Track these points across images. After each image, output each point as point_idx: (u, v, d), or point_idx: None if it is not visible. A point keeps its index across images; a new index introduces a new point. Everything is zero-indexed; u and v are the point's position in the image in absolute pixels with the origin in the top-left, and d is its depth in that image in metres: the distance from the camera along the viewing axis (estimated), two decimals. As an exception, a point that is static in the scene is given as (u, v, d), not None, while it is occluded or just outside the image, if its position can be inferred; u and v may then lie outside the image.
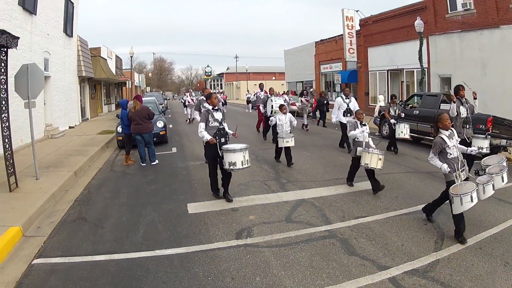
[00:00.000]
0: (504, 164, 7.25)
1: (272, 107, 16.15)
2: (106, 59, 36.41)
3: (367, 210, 8.11)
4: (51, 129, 19.33)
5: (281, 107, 13.02)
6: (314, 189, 9.66)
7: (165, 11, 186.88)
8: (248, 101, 42.11)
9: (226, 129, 9.03)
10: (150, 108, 13.92)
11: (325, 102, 25.43)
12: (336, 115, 15.02)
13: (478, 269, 5.49)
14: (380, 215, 7.75)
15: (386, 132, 17.40)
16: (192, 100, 28.66)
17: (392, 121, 14.51)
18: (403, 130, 14.13)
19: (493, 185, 6.67)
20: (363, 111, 14.34)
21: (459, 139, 7.33)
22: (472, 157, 9.04)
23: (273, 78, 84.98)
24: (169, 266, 5.76)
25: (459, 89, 10.61)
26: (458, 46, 22.31)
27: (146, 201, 9.03)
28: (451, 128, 6.97)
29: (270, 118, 13.27)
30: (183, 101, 35.55)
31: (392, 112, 14.88)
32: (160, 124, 16.81)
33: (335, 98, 17.58)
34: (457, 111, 10.36)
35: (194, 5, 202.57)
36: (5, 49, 9.26)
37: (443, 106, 15.73)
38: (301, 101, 24.66)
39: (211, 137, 8.57)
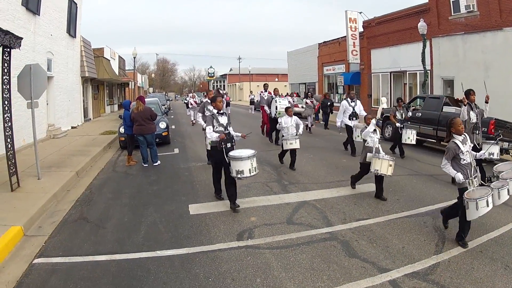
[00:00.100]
0: None
1: (276, 108, 15.95)
2: (109, 60, 36.48)
3: (369, 212, 8.10)
4: (54, 129, 19.37)
5: (287, 109, 12.81)
6: (316, 191, 9.66)
7: (165, 11, 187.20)
8: (252, 102, 42.10)
9: (232, 133, 8.71)
10: (152, 109, 13.94)
11: (329, 103, 25.37)
12: (341, 119, 14.81)
13: (479, 272, 5.47)
14: (382, 218, 7.74)
15: (389, 135, 17.39)
16: (195, 102, 28.58)
17: (398, 125, 14.19)
18: (410, 136, 13.68)
19: (508, 190, 6.51)
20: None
21: (472, 145, 7.10)
22: (480, 163, 8.94)
23: (276, 79, 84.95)
24: (170, 267, 5.76)
25: (469, 93, 10.46)
26: (461, 48, 22.28)
27: (148, 202, 9.04)
28: (464, 133, 6.77)
29: (278, 121, 13.04)
30: (186, 101, 35.50)
31: (398, 116, 14.51)
32: (162, 125, 16.84)
33: (339, 100, 17.52)
34: (467, 116, 10.21)
35: (194, 5, 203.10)
36: (8, 49, 9.29)
37: (446, 109, 15.73)
38: (306, 102, 24.46)
39: (218, 134, 8.27)
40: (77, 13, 24.50)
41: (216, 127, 8.45)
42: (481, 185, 6.61)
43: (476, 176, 6.53)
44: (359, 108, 14.62)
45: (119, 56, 46.15)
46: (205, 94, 24.51)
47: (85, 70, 26.25)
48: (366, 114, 12.04)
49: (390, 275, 5.39)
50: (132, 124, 12.88)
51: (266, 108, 17.85)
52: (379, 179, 8.95)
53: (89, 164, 13.21)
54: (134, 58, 44.84)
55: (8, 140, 9.30)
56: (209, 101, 12.32)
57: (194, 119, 26.73)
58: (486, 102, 10.82)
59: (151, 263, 5.89)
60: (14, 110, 9.93)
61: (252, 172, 8.03)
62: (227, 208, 8.33)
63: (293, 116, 12.54)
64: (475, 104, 10.57)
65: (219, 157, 8.35)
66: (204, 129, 9.84)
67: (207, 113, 12.11)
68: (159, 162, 13.17)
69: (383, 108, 20.14)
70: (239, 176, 7.99)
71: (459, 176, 6.36)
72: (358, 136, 13.30)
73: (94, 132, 21.50)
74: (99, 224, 7.63)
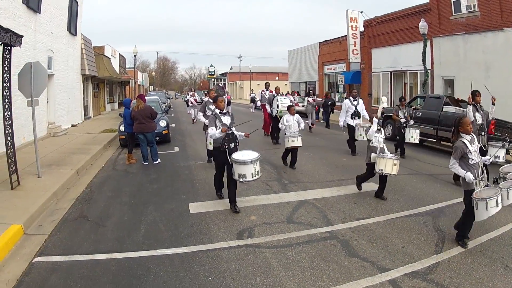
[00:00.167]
0: None
1: (277, 107, 15.91)
2: (109, 58, 36.49)
3: (369, 211, 8.10)
4: (54, 127, 19.38)
5: (289, 108, 12.75)
6: (316, 190, 9.66)
7: (166, 10, 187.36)
8: (252, 100, 42.03)
9: (235, 132, 8.46)
10: (153, 107, 13.94)
11: (330, 103, 25.33)
12: (343, 118, 14.66)
13: (478, 272, 5.48)
14: (381, 217, 7.74)
15: (389, 134, 17.36)
16: (196, 100, 28.49)
17: (402, 120, 13.96)
18: (413, 135, 13.61)
19: None
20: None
21: (479, 145, 6.97)
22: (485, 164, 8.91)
23: (277, 78, 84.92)
24: (170, 265, 5.76)
25: (475, 94, 10.38)
26: (462, 48, 22.28)
27: (148, 200, 9.04)
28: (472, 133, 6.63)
29: (280, 120, 12.79)
30: (186, 100, 35.40)
31: (400, 115, 14.28)
32: (162, 123, 16.83)
33: (339, 99, 17.43)
34: (473, 117, 10.15)
35: (195, 5, 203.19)
36: (9, 47, 9.28)
37: (446, 108, 15.74)
38: (308, 101, 24.39)
39: (221, 128, 8.10)
40: (78, 11, 24.49)
41: (219, 127, 8.22)
42: (486, 186, 6.50)
43: (483, 177, 6.43)
44: (362, 107, 14.54)
45: (119, 54, 46.18)
46: (206, 93, 24.47)
47: (86, 68, 26.25)
48: (367, 115, 11.97)
49: (390, 275, 5.40)
50: (132, 122, 12.88)
51: (267, 106, 17.81)
52: (383, 178, 8.90)
53: (89, 162, 13.22)
54: (135, 56, 44.80)
55: (8, 138, 9.30)
56: (210, 100, 12.33)
57: (195, 117, 26.71)
58: (493, 104, 10.79)
59: (151, 261, 5.89)
60: (14, 108, 9.93)
61: (255, 176, 7.86)
62: (227, 207, 8.32)
63: (295, 114, 12.42)
64: (480, 105, 10.53)
65: (223, 158, 8.21)
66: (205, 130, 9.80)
67: (208, 112, 12.14)
68: (159, 160, 13.17)
69: (383, 108, 20.17)
70: (241, 180, 7.84)
71: (470, 176, 6.24)
72: (361, 135, 13.29)
73: (94, 130, 21.51)
74: (99, 223, 7.63)
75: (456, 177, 9.87)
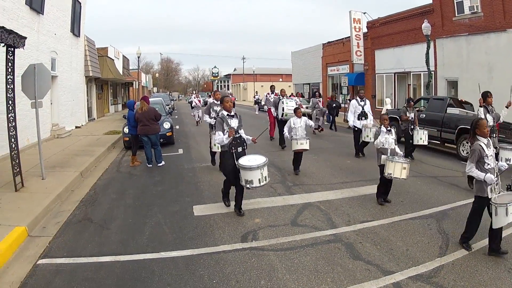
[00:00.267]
0: None
1: (283, 110, 15.43)
2: (113, 59, 36.53)
3: (373, 214, 8.09)
4: (58, 128, 19.41)
5: (296, 110, 12.29)
6: (320, 193, 9.66)
7: (166, 8, 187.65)
8: (256, 102, 42.05)
9: (243, 136, 8.22)
10: (157, 109, 13.95)
11: (334, 105, 25.28)
12: (352, 118, 14.47)
13: (482, 275, 5.47)
14: (386, 220, 7.73)
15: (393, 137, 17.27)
16: (199, 101, 28.48)
17: (410, 117, 13.72)
18: (422, 137, 13.33)
19: None
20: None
21: (494, 150, 6.68)
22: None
23: (280, 79, 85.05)
24: (174, 268, 5.76)
25: (487, 95, 10.20)
26: (465, 49, 22.24)
27: (152, 203, 9.05)
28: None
29: (285, 125, 12.25)
30: (190, 101, 35.40)
31: (408, 117, 13.95)
32: (166, 125, 16.85)
33: (342, 101, 17.29)
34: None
35: (198, 4, 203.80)
36: (12, 49, 9.30)
37: (450, 110, 15.70)
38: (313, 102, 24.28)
39: (227, 133, 7.79)
40: (81, 12, 24.54)
41: (226, 131, 7.90)
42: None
43: (498, 183, 6.16)
44: (368, 108, 14.45)
45: (123, 55, 46.24)
46: (210, 94, 24.43)
47: (89, 70, 26.29)
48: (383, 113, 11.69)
49: (394, 278, 5.38)
50: (136, 124, 12.89)
51: (273, 110, 17.40)
52: (387, 182, 8.69)
53: (93, 164, 13.24)
54: (138, 57, 44.91)
55: (12, 140, 9.30)
56: (215, 102, 12.29)
57: (199, 119, 26.69)
58: (507, 107, 10.65)
59: (156, 264, 5.89)
60: (18, 110, 9.92)
61: (262, 181, 7.61)
62: (231, 209, 8.32)
63: (302, 117, 12.00)
64: (491, 106, 10.42)
65: (231, 162, 7.90)
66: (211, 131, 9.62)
67: (213, 114, 12.10)
68: (163, 162, 13.18)
69: (387, 109, 20.14)
70: (247, 186, 7.60)
71: (491, 177, 5.95)
72: (368, 136, 13.22)
73: (98, 132, 21.54)
74: (103, 225, 7.64)
75: (470, 180, 9.69)
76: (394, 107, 25.91)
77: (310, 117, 21.82)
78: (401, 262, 5.87)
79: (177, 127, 24.45)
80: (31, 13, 16.20)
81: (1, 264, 5.88)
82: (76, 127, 23.24)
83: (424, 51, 22.66)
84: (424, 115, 16.37)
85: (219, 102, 12.04)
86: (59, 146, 16.28)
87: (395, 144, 8.92)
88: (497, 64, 19.96)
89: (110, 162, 14.03)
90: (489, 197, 5.98)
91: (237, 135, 8.01)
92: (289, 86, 53.74)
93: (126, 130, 15.04)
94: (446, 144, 16.08)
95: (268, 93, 18.86)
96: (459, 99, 17.74)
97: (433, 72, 23.38)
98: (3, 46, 8.99)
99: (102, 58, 31.23)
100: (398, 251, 6.25)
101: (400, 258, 6.01)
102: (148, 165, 12.97)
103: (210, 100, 13.64)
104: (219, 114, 8.46)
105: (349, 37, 32.77)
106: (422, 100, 18.99)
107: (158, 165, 13.02)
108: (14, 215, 7.55)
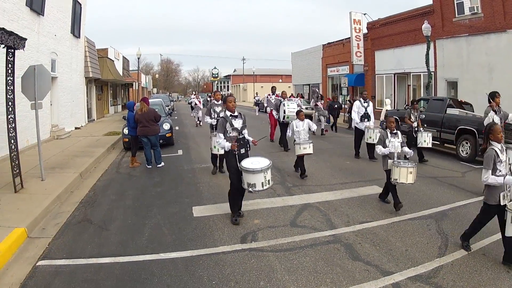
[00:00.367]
0: None
1: (284, 112, 15.11)
2: (113, 60, 36.54)
3: (372, 215, 8.09)
4: (57, 129, 19.42)
5: (298, 113, 12.05)
6: (320, 193, 9.65)
7: (167, 9, 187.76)
8: (256, 104, 42.01)
9: (247, 137, 7.89)
10: (156, 110, 13.95)
11: (336, 106, 25.23)
12: (358, 120, 14.32)
13: (481, 275, 5.47)
14: (385, 220, 7.73)
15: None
16: (200, 102, 28.39)
17: (415, 124, 13.67)
18: (426, 139, 13.12)
19: None
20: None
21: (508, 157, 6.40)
22: None
23: (280, 80, 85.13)
24: (174, 269, 5.76)
25: (495, 96, 10.12)
26: (465, 50, 22.27)
27: (152, 204, 9.05)
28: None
29: (288, 129, 12.16)
30: (189, 102, 35.31)
31: (412, 118, 13.89)
32: (166, 126, 16.85)
33: (342, 102, 17.14)
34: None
35: (195, 5, 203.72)
36: (13, 50, 9.29)
37: (450, 111, 15.69)
38: (316, 105, 24.16)
39: (230, 143, 7.43)
40: (81, 13, 24.56)
41: (230, 132, 7.57)
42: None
43: (510, 189, 5.90)
44: (371, 110, 14.37)
45: (123, 56, 46.26)
46: (209, 95, 24.34)
47: (89, 71, 26.30)
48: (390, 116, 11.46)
49: (393, 278, 5.38)
50: (136, 125, 12.89)
51: (274, 113, 17.17)
52: (393, 187, 8.35)
53: (93, 165, 13.24)
54: (138, 58, 44.83)
55: (12, 141, 9.30)
56: (216, 102, 12.22)
57: (199, 120, 26.63)
58: None
59: (155, 265, 5.89)
60: (18, 111, 9.92)
61: (265, 185, 7.26)
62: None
63: (305, 119, 11.73)
64: (499, 107, 10.36)
65: (235, 164, 7.53)
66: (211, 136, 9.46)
67: (214, 115, 12.03)
68: (162, 163, 13.18)
69: (387, 110, 20.15)
70: (250, 189, 7.24)
71: (510, 179, 5.74)
72: (370, 137, 13.19)
73: (97, 133, 21.54)
74: (102, 226, 7.64)
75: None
76: (394, 107, 25.91)
77: (311, 117, 21.67)
78: (400, 262, 5.87)
79: (177, 128, 24.46)
80: (32, 14, 16.21)
81: (1, 265, 5.87)
82: (76, 128, 23.24)
83: (424, 52, 22.67)
84: (424, 116, 16.35)
85: (219, 103, 12.04)
86: (59, 147, 16.28)
87: (404, 146, 8.65)
88: (497, 65, 19.99)
89: (109, 163, 14.03)
90: (502, 204, 5.78)
91: (241, 136, 7.70)
92: (289, 87, 53.85)
93: (125, 131, 15.05)
94: (445, 144, 16.08)
95: (269, 94, 18.61)
96: (459, 100, 17.75)
97: (433, 73, 23.42)
98: (3, 48, 8.99)
99: (102, 59, 31.23)
100: (397, 252, 6.25)
101: (399, 258, 6.01)
102: (148, 166, 12.97)
103: (212, 100, 13.09)
104: (222, 114, 8.22)
105: (349, 38, 32.86)
106: (422, 101, 18.99)
107: (158, 166, 13.02)
108: (13, 216, 7.54)
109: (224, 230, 7.28)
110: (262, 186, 7.22)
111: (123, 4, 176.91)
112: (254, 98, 47.41)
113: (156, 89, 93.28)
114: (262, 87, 73.78)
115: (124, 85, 47.06)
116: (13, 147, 9.32)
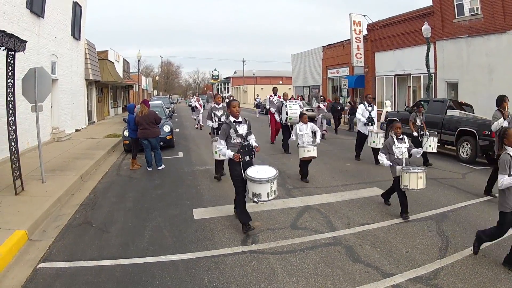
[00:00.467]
0: None
1: (287, 113, 14.80)
2: (113, 63, 36.54)
3: (372, 216, 8.09)
4: (58, 132, 19.43)
5: (301, 116, 11.93)
6: (320, 196, 9.65)
7: (167, 10, 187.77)
8: (257, 105, 41.97)
9: (251, 143, 7.47)
10: (157, 112, 13.95)
11: (339, 108, 25.19)
12: (364, 121, 14.07)
13: (482, 276, 5.47)
14: (385, 222, 7.73)
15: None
16: (200, 105, 28.25)
17: (415, 134, 13.39)
18: (431, 144, 12.67)
19: None
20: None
21: None
22: None
23: (280, 82, 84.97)
24: (174, 272, 5.76)
25: (502, 99, 9.96)
26: (465, 51, 22.25)
27: (152, 206, 9.05)
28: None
29: (292, 133, 11.90)
30: (190, 104, 35.22)
31: (418, 122, 13.63)
32: (166, 128, 16.84)
33: (343, 103, 17.03)
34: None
35: (198, 5, 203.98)
36: (13, 52, 9.30)
37: (450, 112, 15.70)
38: (318, 107, 24.04)
39: (233, 153, 7.08)
40: (82, 15, 24.59)
41: (233, 139, 7.27)
42: None
43: None
44: (375, 114, 14.19)
45: (123, 58, 46.24)
46: (211, 98, 24.17)
47: (90, 73, 26.33)
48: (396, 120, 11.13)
49: (393, 280, 5.39)
50: (136, 127, 12.89)
51: (276, 116, 16.69)
52: (402, 193, 8.09)
53: (93, 168, 13.24)
54: (139, 60, 44.84)
55: (12, 143, 9.30)
56: (216, 106, 12.16)
57: (200, 123, 26.55)
58: None
59: (156, 268, 5.89)
60: (18, 113, 9.93)
61: (271, 196, 6.94)
62: (231, 212, 8.31)
63: (308, 122, 11.46)
64: (506, 110, 10.27)
65: (238, 173, 7.23)
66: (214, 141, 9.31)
67: (215, 119, 11.96)
68: (163, 166, 13.19)
69: (387, 112, 20.14)
70: (255, 199, 6.93)
71: None
72: (374, 141, 13.11)
73: (98, 135, 21.55)
74: (103, 229, 7.64)
75: (489, 189, 9.52)
76: (394, 109, 25.91)
77: (313, 120, 21.46)
78: (400, 264, 5.87)
79: (177, 130, 24.47)
80: (32, 17, 16.23)
81: (1, 268, 5.88)
82: (76, 130, 23.26)
83: (424, 53, 22.66)
84: (424, 117, 16.35)
85: (220, 106, 12.01)
86: (59, 149, 16.29)
87: (411, 149, 8.42)
88: (497, 66, 19.98)
89: (110, 166, 14.03)
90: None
91: (246, 143, 7.32)
92: (289, 88, 53.76)
93: (126, 133, 15.07)
94: (446, 146, 16.08)
95: (271, 95, 18.33)
96: (459, 101, 17.75)
97: (433, 74, 23.40)
98: (3, 50, 9.00)
99: (102, 61, 31.24)
100: (397, 254, 6.25)
101: (400, 260, 6.01)
102: (148, 169, 12.98)
103: (213, 104, 12.59)
104: (223, 119, 7.92)
105: (349, 39, 32.82)
106: (422, 102, 19.00)
107: (158, 168, 13.03)
108: (14, 218, 7.55)
109: (225, 232, 7.28)
110: (268, 197, 6.92)
111: (123, 5, 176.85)
112: (255, 100, 47.37)
113: (156, 91, 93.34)
114: (262, 89, 73.66)
115: (125, 87, 47.09)
116: (13, 149, 9.33)
